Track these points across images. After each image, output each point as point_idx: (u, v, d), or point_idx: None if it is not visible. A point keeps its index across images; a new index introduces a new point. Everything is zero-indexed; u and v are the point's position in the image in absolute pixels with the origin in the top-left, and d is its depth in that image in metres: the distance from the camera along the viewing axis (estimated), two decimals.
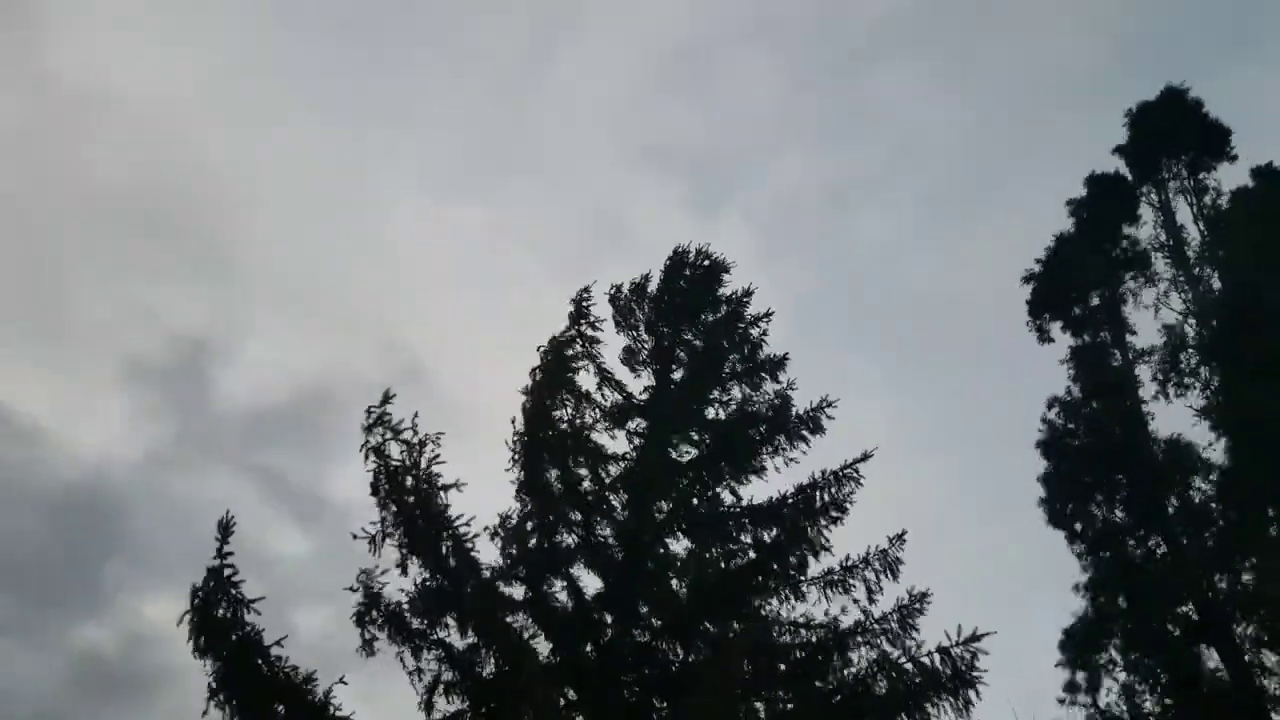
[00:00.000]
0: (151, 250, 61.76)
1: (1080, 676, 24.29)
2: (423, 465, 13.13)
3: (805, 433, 15.32)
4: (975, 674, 12.00)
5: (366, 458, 12.91)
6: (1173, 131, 29.63)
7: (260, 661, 11.11)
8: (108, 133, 62.77)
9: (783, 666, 13.04)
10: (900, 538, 13.78)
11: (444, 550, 12.87)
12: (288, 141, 68.60)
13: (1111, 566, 24.79)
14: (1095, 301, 28.43)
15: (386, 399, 12.95)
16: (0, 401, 49.55)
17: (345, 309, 63.54)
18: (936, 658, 12.18)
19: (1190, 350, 26.36)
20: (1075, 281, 28.71)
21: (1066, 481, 25.68)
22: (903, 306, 67.83)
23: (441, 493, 13.18)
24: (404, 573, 12.81)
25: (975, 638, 12.23)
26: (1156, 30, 72.01)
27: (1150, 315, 28.09)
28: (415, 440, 13.20)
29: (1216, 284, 27.17)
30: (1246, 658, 22.43)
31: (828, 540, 13.88)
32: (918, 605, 13.08)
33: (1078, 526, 25.55)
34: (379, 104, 71.36)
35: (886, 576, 13.61)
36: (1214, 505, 24.35)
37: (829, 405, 15.43)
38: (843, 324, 70.67)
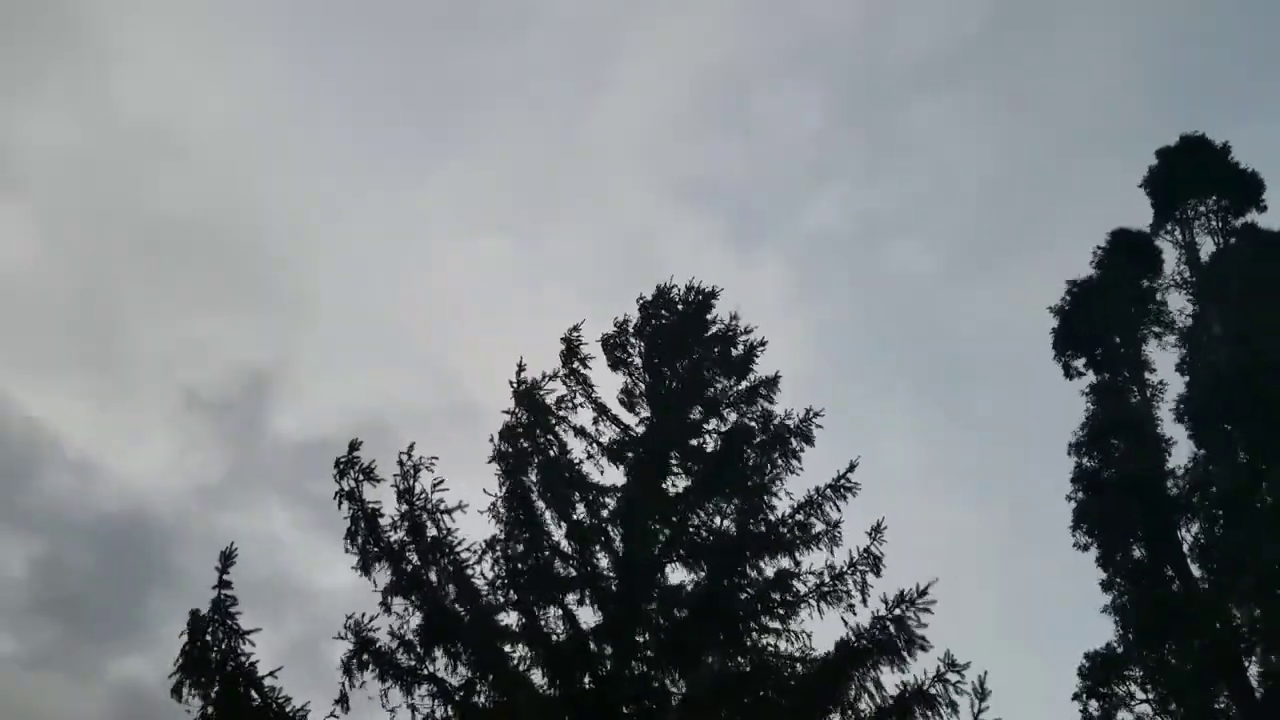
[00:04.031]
0: (206, 283, 62.62)
1: (1094, 707, 24.05)
2: (417, 490, 13.34)
3: (796, 446, 15.28)
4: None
5: (340, 504, 13.07)
6: (1198, 176, 29.88)
7: (254, 691, 11.22)
8: (168, 166, 63.80)
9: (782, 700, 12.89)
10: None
11: (436, 580, 12.99)
12: (340, 177, 70.01)
13: (1133, 600, 24.68)
14: (1116, 340, 28.60)
15: (353, 449, 13.18)
16: (52, 432, 50.89)
17: (397, 341, 64.15)
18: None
19: (1206, 388, 26.25)
20: (1096, 323, 28.82)
21: (1096, 515, 25.68)
22: (938, 342, 67.80)
23: (445, 516, 13.38)
24: (387, 611, 12.90)
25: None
26: (1200, 70, 71.82)
27: (1169, 352, 28.53)
28: (409, 464, 13.44)
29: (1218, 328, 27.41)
30: (1258, 695, 22.21)
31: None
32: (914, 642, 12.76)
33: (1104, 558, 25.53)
34: (428, 139, 72.84)
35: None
36: (1229, 540, 24.20)
37: (816, 415, 15.44)
38: (877, 358, 70.57)
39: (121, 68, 62.68)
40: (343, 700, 12.24)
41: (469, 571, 13.23)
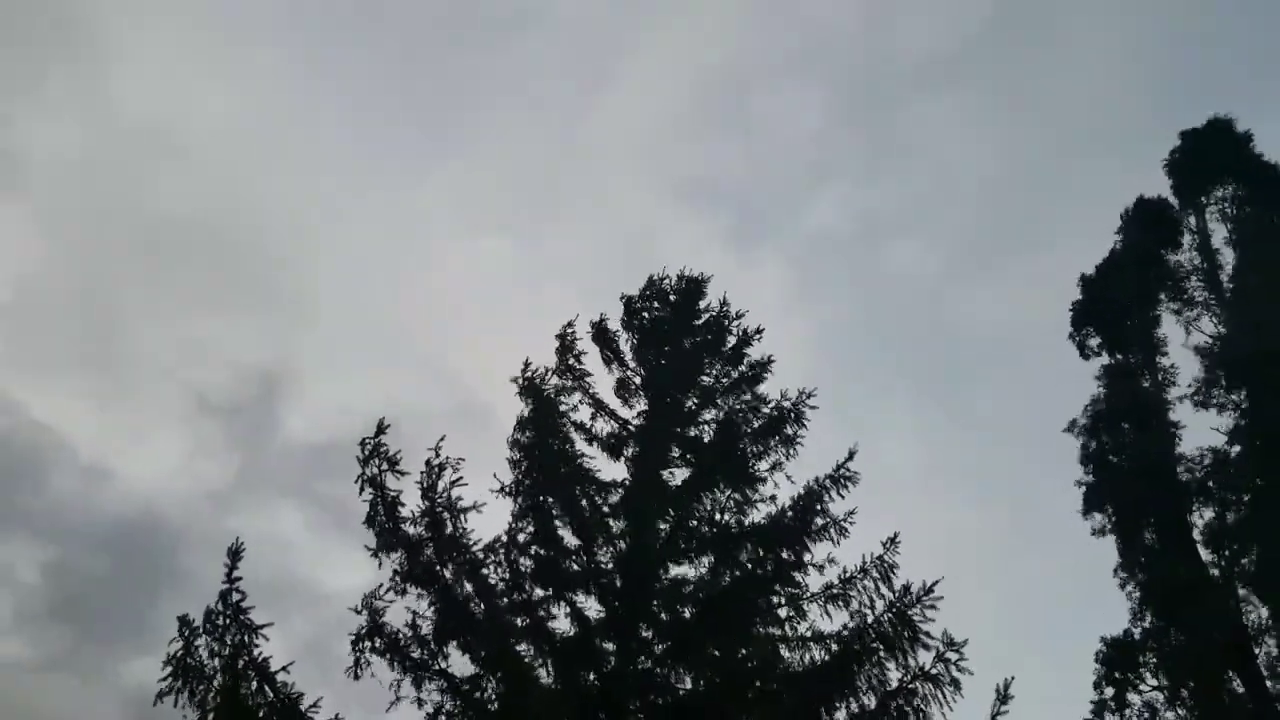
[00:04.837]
0: (210, 284, 62.97)
1: (1109, 693, 24.06)
2: (439, 488, 13.40)
3: (792, 431, 15.25)
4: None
5: (362, 490, 13.14)
6: (1219, 160, 29.67)
7: (267, 686, 11.37)
8: (169, 166, 64.14)
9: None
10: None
11: (451, 576, 13.09)
12: (341, 177, 70.19)
13: (1146, 588, 24.67)
14: (1131, 321, 28.40)
15: (381, 429, 13.23)
16: (59, 436, 51.27)
17: (400, 341, 64.39)
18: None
19: (1220, 373, 26.09)
20: (1113, 301, 28.63)
21: (1106, 499, 25.63)
22: (939, 341, 67.74)
23: (461, 515, 13.47)
24: (401, 595, 13.03)
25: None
26: (1202, 67, 71.06)
27: (1183, 336, 28.27)
28: (435, 463, 13.49)
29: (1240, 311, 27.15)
30: (1269, 683, 22.21)
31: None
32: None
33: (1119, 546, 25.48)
34: (428, 139, 72.94)
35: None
36: (1242, 527, 24.14)
37: (809, 395, 15.42)
38: (877, 358, 70.49)
39: (122, 68, 63.24)
40: (356, 666, 12.49)
41: (484, 571, 13.35)
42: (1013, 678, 11.96)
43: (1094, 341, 29.06)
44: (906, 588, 12.90)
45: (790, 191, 76.57)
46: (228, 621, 11.52)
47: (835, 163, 78.75)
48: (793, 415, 15.36)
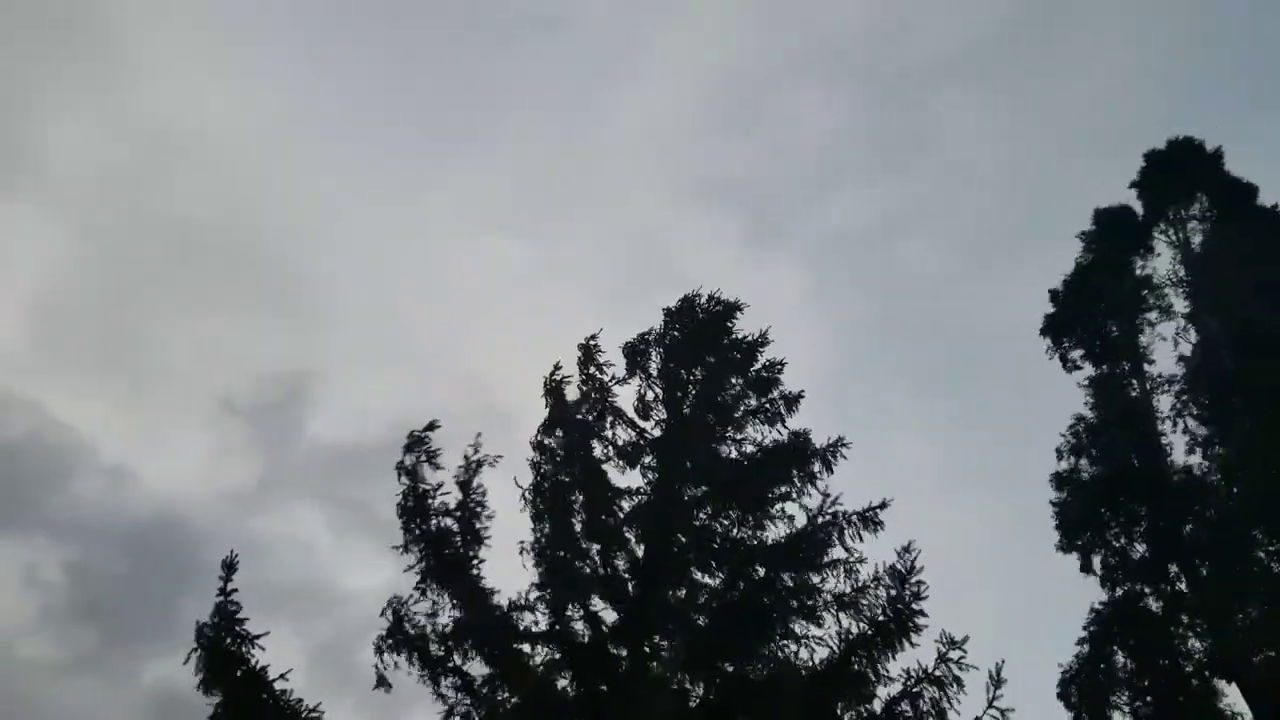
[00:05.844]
0: (233, 288, 63.00)
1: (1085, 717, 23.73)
2: (473, 486, 13.86)
3: (819, 469, 15.12)
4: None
5: (399, 476, 13.50)
6: (1189, 180, 29.86)
7: (265, 695, 11.21)
8: (191, 170, 64.02)
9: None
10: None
11: (474, 572, 13.32)
12: (361, 180, 69.97)
13: (1125, 600, 24.46)
14: (1113, 331, 28.42)
15: (431, 426, 13.74)
16: (83, 437, 51.37)
17: (421, 343, 64.52)
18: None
19: (1200, 386, 26.17)
20: (1092, 311, 28.70)
21: (1082, 511, 25.45)
22: (953, 340, 68.04)
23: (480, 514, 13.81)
24: (423, 595, 13.23)
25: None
26: (1203, 67, 72.43)
27: (1168, 347, 28.16)
28: (473, 460, 14.00)
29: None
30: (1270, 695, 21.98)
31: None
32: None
33: (1095, 560, 25.24)
34: (446, 141, 72.96)
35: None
36: (1231, 538, 24.04)
37: (843, 445, 15.28)
38: (891, 356, 70.49)
39: (146, 72, 63.29)
40: (381, 682, 12.58)
41: (475, 573, 13.43)
42: (1003, 661, 11.88)
43: (1076, 354, 29.07)
44: (892, 569, 12.92)
45: (800, 191, 77.22)
46: (222, 634, 11.38)
47: (845, 163, 79.03)
48: (821, 457, 15.17)
